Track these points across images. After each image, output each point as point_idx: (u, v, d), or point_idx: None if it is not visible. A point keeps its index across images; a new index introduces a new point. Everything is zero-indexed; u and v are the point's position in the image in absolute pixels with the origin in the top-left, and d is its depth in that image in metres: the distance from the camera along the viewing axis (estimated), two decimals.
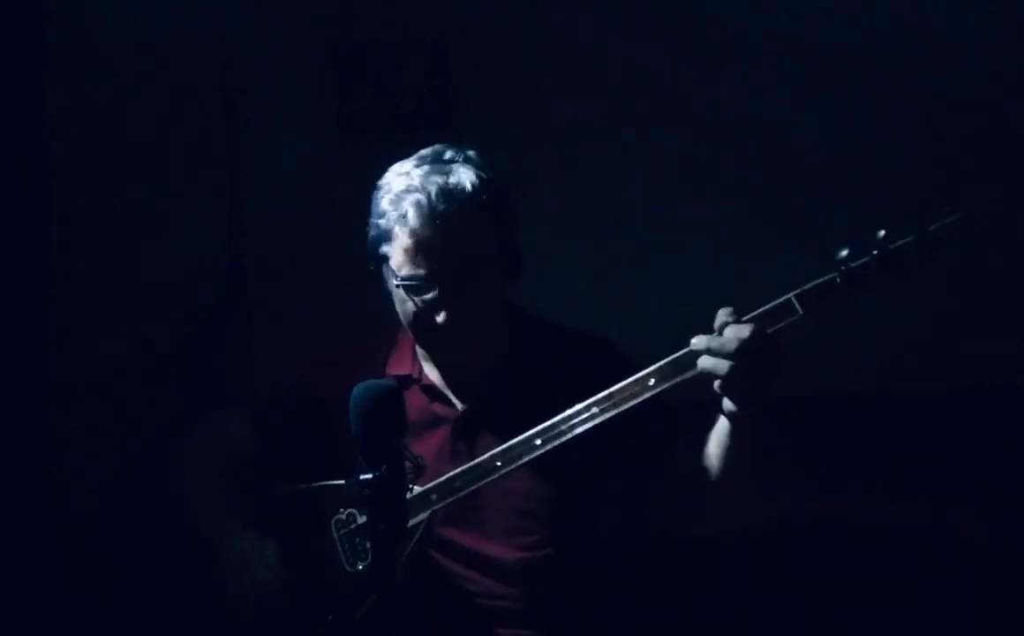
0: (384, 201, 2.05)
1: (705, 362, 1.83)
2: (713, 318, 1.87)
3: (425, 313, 2.03)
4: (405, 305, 2.06)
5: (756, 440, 1.89)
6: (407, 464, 1.96)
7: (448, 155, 2.06)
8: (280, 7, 3.45)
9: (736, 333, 1.80)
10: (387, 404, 1.68)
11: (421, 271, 2.00)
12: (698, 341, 1.85)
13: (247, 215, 3.39)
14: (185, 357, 3.38)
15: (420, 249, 2.00)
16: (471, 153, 2.07)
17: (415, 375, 2.14)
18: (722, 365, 1.81)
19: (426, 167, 2.04)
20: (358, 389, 1.69)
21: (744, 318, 1.84)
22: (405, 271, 2.02)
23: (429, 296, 2.02)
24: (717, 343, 1.81)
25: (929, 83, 3.33)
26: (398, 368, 2.16)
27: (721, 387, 1.83)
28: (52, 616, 3.27)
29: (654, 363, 1.98)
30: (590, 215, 3.39)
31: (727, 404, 1.85)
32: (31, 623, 3.20)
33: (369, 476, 1.61)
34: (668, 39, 3.40)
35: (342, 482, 2.04)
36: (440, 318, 2.01)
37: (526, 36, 3.44)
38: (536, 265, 2.16)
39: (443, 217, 1.98)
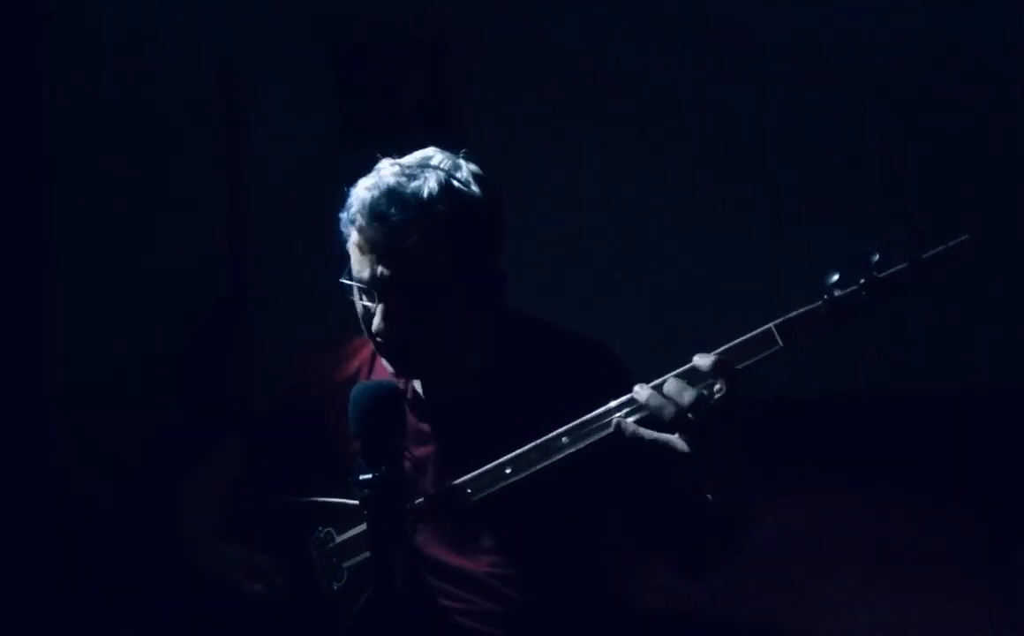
0: (351, 196, 1.99)
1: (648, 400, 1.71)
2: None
3: (368, 320, 1.98)
4: (356, 307, 2.00)
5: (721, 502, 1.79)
6: (407, 464, 1.95)
7: (433, 160, 1.95)
8: (280, 7, 3.45)
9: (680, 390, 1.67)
10: (387, 404, 1.67)
11: (363, 277, 1.91)
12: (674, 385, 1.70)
13: (247, 215, 3.40)
14: (186, 356, 3.39)
15: (363, 250, 1.91)
16: (461, 163, 1.94)
17: (400, 386, 2.03)
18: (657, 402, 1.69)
19: (398, 168, 1.93)
20: (358, 389, 1.67)
21: (720, 350, 1.71)
22: (353, 271, 1.97)
23: (369, 302, 1.92)
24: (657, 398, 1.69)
25: (935, 87, 3.33)
26: (382, 376, 2.10)
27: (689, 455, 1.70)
28: (52, 617, 3.27)
29: (646, 366, 1.96)
30: (590, 215, 3.39)
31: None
32: (31, 625, 3.20)
33: (369, 476, 1.60)
34: (668, 41, 3.40)
35: (323, 499, 2.01)
36: (374, 327, 1.90)
37: (526, 37, 3.44)
38: (535, 265, 2.15)
39: (382, 218, 1.87)
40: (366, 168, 2.16)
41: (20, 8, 3.29)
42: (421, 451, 2.03)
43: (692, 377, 1.72)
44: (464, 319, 1.94)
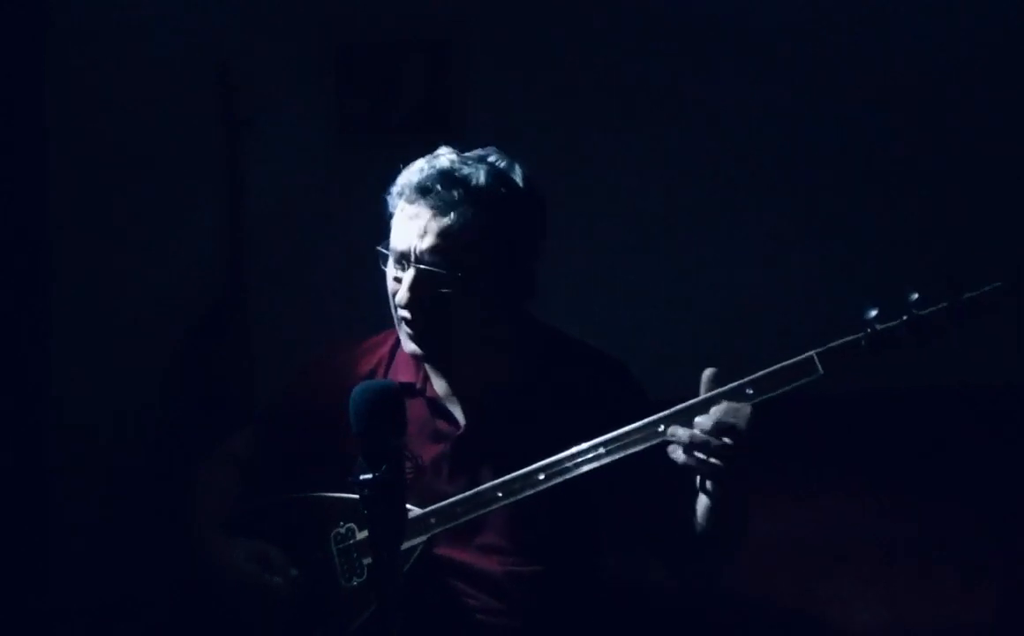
0: (402, 172, 2.01)
1: (681, 433, 1.81)
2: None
3: (395, 292, 1.99)
4: (388, 283, 2.02)
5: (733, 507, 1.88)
6: (407, 464, 1.95)
7: (491, 157, 2.02)
8: (280, 7, 3.45)
9: (731, 413, 1.78)
10: (386, 404, 1.67)
11: (399, 247, 1.96)
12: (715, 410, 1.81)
13: (247, 215, 3.39)
14: (185, 358, 3.38)
15: (402, 221, 1.96)
16: (516, 166, 2.01)
17: (419, 385, 2.08)
18: (699, 437, 1.79)
19: (454, 155, 2.00)
20: (358, 389, 1.68)
21: (761, 374, 1.81)
22: (391, 242, 1.99)
23: (400, 273, 1.97)
24: (709, 421, 1.79)
25: (929, 85, 3.34)
26: (401, 375, 2.10)
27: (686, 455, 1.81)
28: (51, 618, 3.26)
29: (651, 371, 1.96)
30: (591, 216, 3.38)
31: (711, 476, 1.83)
32: (31, 625, 3.20)
33: (369, 476, 1.61)
34: (668, 41, 3.40)
35: (344, 495, 2.02)
36: (399, 297, 1.96)
37: (526, 37, 3.44)
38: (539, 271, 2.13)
39: (427, 192, 1.93)
40: (366, 168, 2.16)
41: (20, 8, 3.28)
42: (436, 450, 2.04)
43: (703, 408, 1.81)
44: (488, 311, 1.98)
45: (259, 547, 2.07)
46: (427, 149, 2.07)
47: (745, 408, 1.79)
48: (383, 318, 2.18)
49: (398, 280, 1.99)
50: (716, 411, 1.79)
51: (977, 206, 3.35)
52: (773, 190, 3.39)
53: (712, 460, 1.79)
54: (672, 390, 1.97)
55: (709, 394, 1.82)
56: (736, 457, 1.79)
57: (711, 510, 1.87)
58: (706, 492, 1.85)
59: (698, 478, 1.85)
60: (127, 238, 3.44)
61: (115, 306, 3.42)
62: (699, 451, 1.79)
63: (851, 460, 3.03)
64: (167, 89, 3.41)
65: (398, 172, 2.03)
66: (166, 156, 3.43)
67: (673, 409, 1.86)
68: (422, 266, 1.94)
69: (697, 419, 1.79)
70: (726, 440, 1.78)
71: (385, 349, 2.14)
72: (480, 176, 1.96)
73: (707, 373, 1.84)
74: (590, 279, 3.36)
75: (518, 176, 2.00)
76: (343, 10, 3.43)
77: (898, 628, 2.85)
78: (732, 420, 1.78)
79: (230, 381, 3.33)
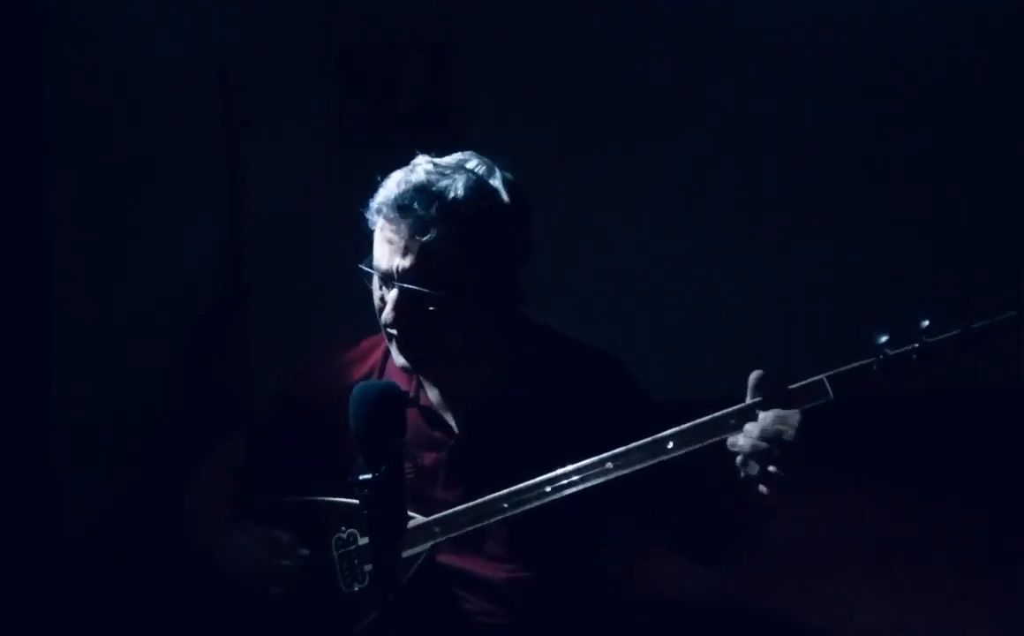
0: (382, 185, 1.97)
1: (743, 442, 1.78)
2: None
3: (380, 310, 1.98)
4: (373, 296, 2.01)
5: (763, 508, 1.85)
6: (407, 465, 1.95)
7: (469, 163, 1.96)
8: (280, 8, 3.45)
9: (778, 421, 1.76)
10: (387, 404, 1.67)
11: (380, 266, 1.94)
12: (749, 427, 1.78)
13: (247, 215, 3.40)
14: (185, 358, 3.38)
15: (384, 239, 1.93)
16: (495, 170, 1.96)
17: (412, 393, 2.05)
18: (760, 445, 1.76)
19: (431, 165, 1.95)
20: (358, 389, 1.68)
21: (775, 395, 1.79)
22: (373, 259, 1.97)
23: (384, 291, 1.95)
24: (758, 429, 1.76)
25: (930, 85, 3.34)
26: (394, 379, 2.10)
27: (745, 464, 1.78)
28: (51, 618, 3.26)
29: (653, 373, 1.96)
30: (590, 216, 3.39)
31: (751, 479, 1.80)
32: (31, 625, 3.20)
33: (368, 476, 1.61)
34: (668, 41, 3.40)
35: (346, 500, 2.02)
36: (384, 316, 1.95)
37: (526, 36, 3.44)
38: (539, 274, 2.12)
39: (404, 211, 1.89)
40: (366, 168, 2.16)
41: (20, 7, 3.28)
42: (432, 458, 2.03)
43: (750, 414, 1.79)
44: (475, 322, 1.96)
45: (265, 532, 2.06)
46: (427, 149, 2.05)
47: (794, 415, 1.77)
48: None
49: (383, 298, 1.97)
50: (764, 419, 1.77)
51: (983, 205, 3.35)
52: (774, 190, 3.40)
53: (771, 469, 1.76)
54: (679, 391, 1.97)
55: (716, 415, 1.81)
56: (791, 462, 1.76)
57: (753, 512, 1.86)
58: (756, 497, 1.83)
59: (745, 481, 1.81)
60: (127, 238, 3.44)
61: (115, 306, 3.42)
62: (760, 460, 1.76)
63: (851, 460, 3.03)
64: (167, 90, 3.41)
65: (378, 184, 1.99)
66: (166, 156, 3.43)
67: (681, 427, 1.83)
68: (405, 286, 1.92)
69: (747, 426, 1.78)
70: (777, 449, 1.76)
71: (378, 354, 2.13)
72: (458, 188, 1.91)
73: (754, 376, 1.81)
74: (589, 278, 3.36)
75: (498, 181, 1.95)
76: (343, 10, 3.44)
77: (898, 628, 2.85)
78: (780, 427, 1.76)
79: (230, 381, 3.33)
